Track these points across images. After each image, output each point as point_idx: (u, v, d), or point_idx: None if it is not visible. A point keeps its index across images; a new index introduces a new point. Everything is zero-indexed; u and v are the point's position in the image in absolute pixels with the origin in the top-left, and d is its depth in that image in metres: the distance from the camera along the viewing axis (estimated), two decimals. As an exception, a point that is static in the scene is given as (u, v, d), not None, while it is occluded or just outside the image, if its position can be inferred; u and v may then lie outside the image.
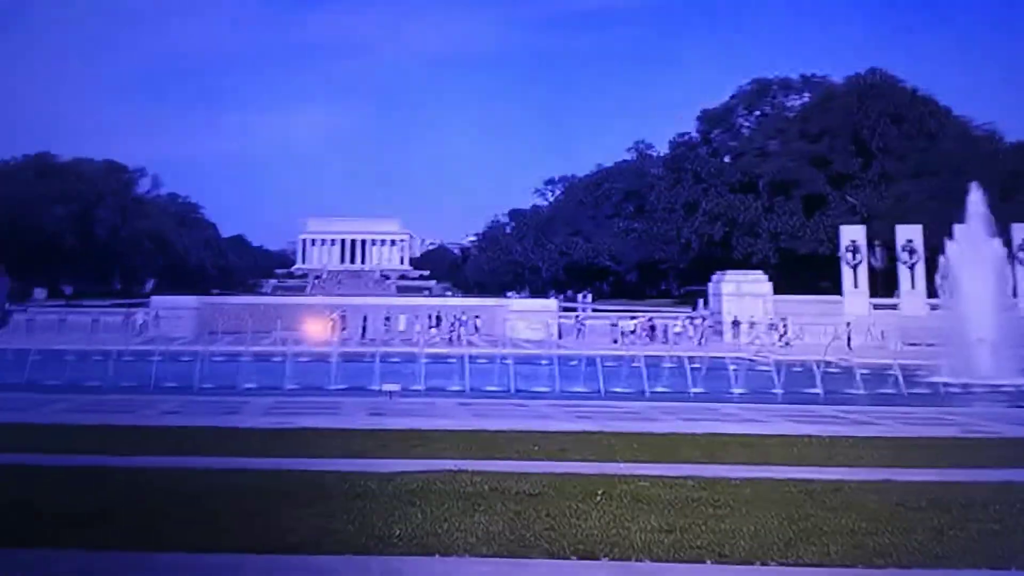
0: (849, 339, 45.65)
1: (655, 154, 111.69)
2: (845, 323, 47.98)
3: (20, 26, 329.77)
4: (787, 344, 46.61)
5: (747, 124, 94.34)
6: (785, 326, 49.61)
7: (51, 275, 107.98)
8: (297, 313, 59.42)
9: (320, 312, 59.68)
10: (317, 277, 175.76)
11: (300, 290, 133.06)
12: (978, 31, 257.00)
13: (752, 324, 51.41)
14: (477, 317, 59.20)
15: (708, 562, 8.06)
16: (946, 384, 27.64)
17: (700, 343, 49.68)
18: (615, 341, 50.54)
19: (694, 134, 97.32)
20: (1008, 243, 41.48)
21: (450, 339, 51.04)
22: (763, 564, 8.05)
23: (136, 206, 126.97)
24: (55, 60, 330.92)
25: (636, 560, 8.09)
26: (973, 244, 32.32)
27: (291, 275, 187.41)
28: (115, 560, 7.93)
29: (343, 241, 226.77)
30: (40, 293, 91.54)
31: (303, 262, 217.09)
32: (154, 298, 62.19)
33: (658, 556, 8.21)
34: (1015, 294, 32.74)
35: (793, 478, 11.99)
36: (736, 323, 52.17)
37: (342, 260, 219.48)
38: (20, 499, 9.89)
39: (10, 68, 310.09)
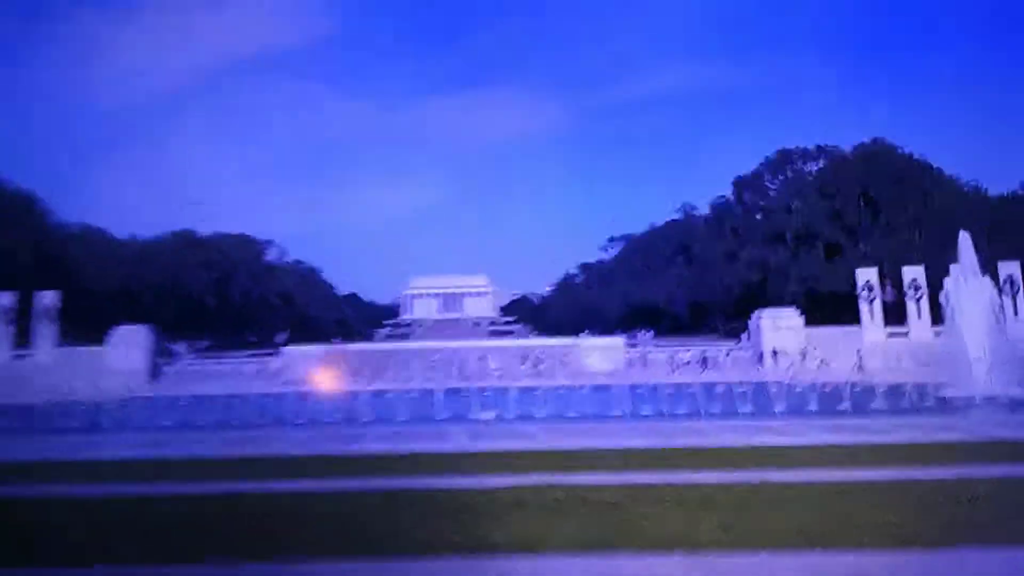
0: (860, 362, 45.75)
1: (698, 214, 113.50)
2: (856, 350, 48.03)
3: (168, 119, 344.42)
4: (818, 368, 45.74)
5: (773, 186, 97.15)
6: (815, 354, 49.41)
7: (196, 332, 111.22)
8: (405, 356, 60.01)
9: (421, 355, 60.10)
10: (420, 326, 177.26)
11: (406, 337, 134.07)
12: (966, 98, 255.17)
13: (788, 352, 50.99)
14: (557, 354, 59.00)
15: (764, 552, 8.03)
16: (951, 397, 27.28)
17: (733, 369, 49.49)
18: (673, 371, 49.95)
19: (730, 196, 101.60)
20: (996, 278, 42.42)
21: (534, 374, 50.90)
22: (808, 551, 8.04)
23: (266, 271, 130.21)
24: (200, 147, 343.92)
25: (703, 553, 8.08)
26: (966, 281, 32.71)
27: (398, 325, 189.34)
28: (257, 571, 8.00)
29: (441, 295, 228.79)
30: (181, 347, 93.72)
31: (408, 313, 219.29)
32: (284, 348, 63.23)
33: (722, 548, 8.22)
34: (1003, 320, 32.92)
35: (828, 480, 11.85)
36: (774, 352, 51.61)
37: (440, 310, 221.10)
38: (168, 520, 10.10)
39: (160, 156, 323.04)
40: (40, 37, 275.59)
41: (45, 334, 54.95)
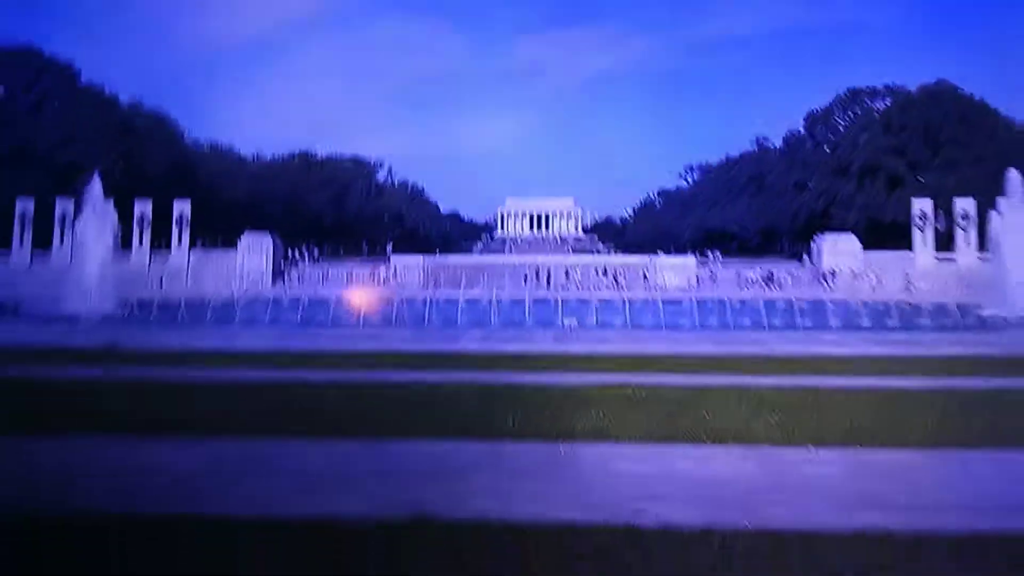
0: (909, 283, 47.02)
1: (771, 146, 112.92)
2: (905, 272, 49.70)
3: (295, 53, 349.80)
4: (871, 288, 45.19)
5: (843, 122, 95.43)
6: (869, 275, 49.51)
7: (315, 242, 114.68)
8: (498, 268, 61.02)
9: (512, 267, 60.89)
10: (513, 241, 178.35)
11: (500, 251, 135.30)
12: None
13: (844, 273, 50.94)
14: (635, 270, 59.08)
15: (810, 447, 8.28)
16: (991, 317, 27.27)
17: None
18: (740, 287, 49.81)
19: (802, 130, 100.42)
20: None
21: (614, 287, 51.18)
22: (853, 447, 8.27)
23: (376, 190, 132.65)
24: (319, 76, 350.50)
25: (758, 445, 8.37)
26: (1011, 212, 33.53)
27: (493, 240, 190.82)
28: (377, 447, 8.44)
29: (532, 214, 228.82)
30: (303, 253, 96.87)
31: (501, 230, 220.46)
32: (392, 256, 64.92)
33: (774, 442, 8.49)
34: None
35: (875, 386, 12.01)
36: (833, 273, 51.73)
37: (531, 228, 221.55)
38: (300, 402, 10.74)
39: (283, 83, 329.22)
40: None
41: (180, 239, 58.13)
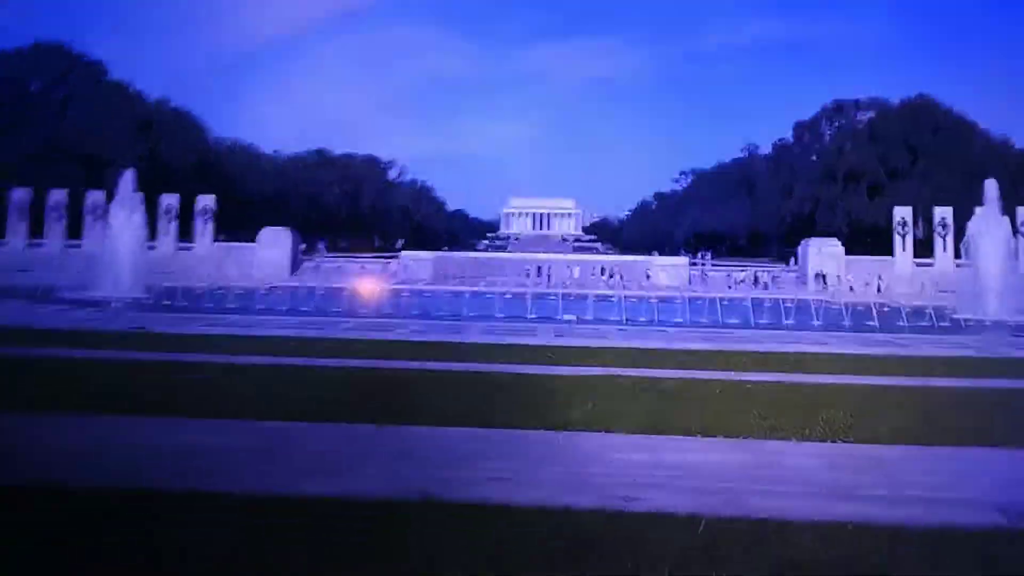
0: (880, 286, 47.44)
1: (761, 153, 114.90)
2: (877, 275, 49.90)
3: (312, 56, 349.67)
4: (851, 290, 45.42)
5: (828, 132, 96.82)
6: (850, 278, 49.90)
7: (330, 237, 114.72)
8: (501, 264, 61.09)
9: (515, 264, 60.93)
10: (516, 239, 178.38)
11: (504, 248, 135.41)
12: (1001, 60, 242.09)
13: (828, 276, 51.34)
14: (631, 269, 59.12)
15: (792, 440, 8.38)
16: (966, 320, 27.41)
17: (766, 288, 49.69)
18: (729, 287, 49.94)
19: (790, 139, 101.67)
20: (1013, 221, 43.16)
21: (611, 284, 51.22)
22: (832, 442, 8.35)
23: (388, 188, 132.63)
24: (334, 79, 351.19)
25: (742, 438, 8.47)
26: (988, 221, 33.43)
27: (497, 238, 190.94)
28: (384, 431, 8.40)
29: (534, 214, 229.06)
30: (321, 246, 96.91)
31: (505, 228, 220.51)
32: (403, 252, 64.98)
33: (757, 435, 8.56)
34: (1017, 258, 34.10)
35: (854, 384, 12.08)
36: (817, 276, 52.09)
37: (533, 227, 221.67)
38: (315, 387, 10.74)
39: (300, 84, 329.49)
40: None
41: (204, 231, 58.21)
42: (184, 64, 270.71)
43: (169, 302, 28.09)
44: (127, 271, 32.39)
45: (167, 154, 76.07)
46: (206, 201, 58.69)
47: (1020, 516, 5.96)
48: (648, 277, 55.65)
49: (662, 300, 30.79)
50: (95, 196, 55.47)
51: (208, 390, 10.47)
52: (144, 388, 10.45)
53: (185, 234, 58.86)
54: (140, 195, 35.83)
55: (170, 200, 57.47)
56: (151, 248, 47.08)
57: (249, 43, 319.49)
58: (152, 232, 51.70)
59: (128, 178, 35.24)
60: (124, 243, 33.25)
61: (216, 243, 58.64)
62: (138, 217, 34.50)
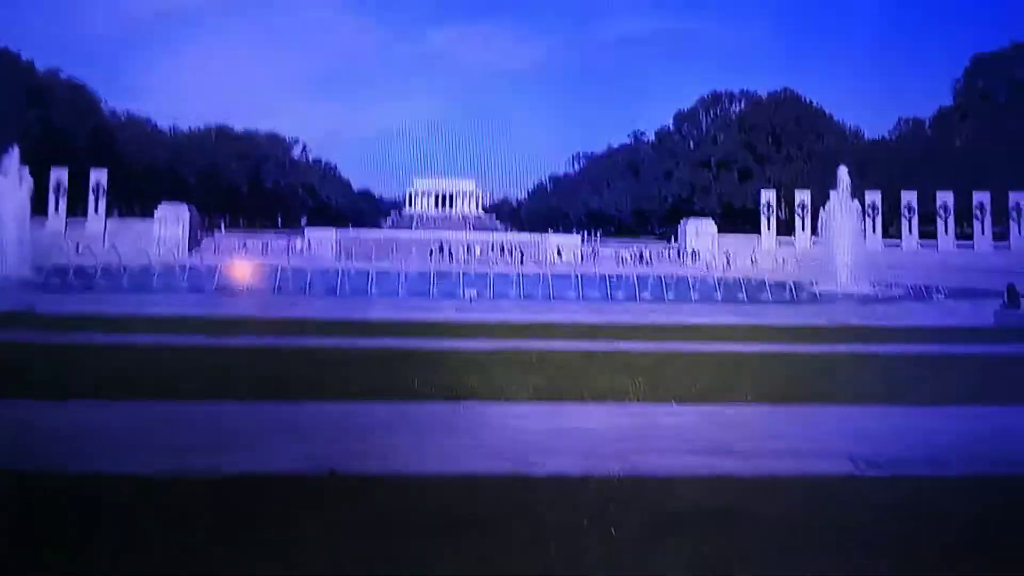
0: (753, 262, 49.20)
1: (646, 140, 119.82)
2: (750, 253, 52.72)
3: (212, 29, 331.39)
4: (724, 265, 47.94)
5: (706, 121, 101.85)
6: (722, 254, 52.79)
7: (231, 214, 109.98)
8: (405, 243, 60.33)
9: (419, 243, 60.35)
10: (420, 218, 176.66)
11: (408, 227, 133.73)
12: (855, 52, 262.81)
13: (703, 252, 54.17)
14: (528, 247, 59.88)
15: (672, 403, 8.75)
16: (820, 292, 29.60)
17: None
18: (617, 264, 51.52)
19: (671, 127, 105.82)
20: (863, 203, 46.96)
21: (509, 261, 51.60)
22: (706, 404, 8.78)
23: (292, 165, 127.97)
24: (236, 53, 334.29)
25: (629, 402, 8.77)
26: (840, 204, 35.71)
27: (401, 216, 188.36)
28: (287, 408, 8.27)
29: (436, 194, 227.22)
30: (222, 224, 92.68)
31: (409, 208, 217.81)
32: (306, 229, 63.06)
33: (642, 399, 8.91)
34: (864, 236, 38.59)
35: (726, 351, 12.78)
36: (694, 252, 54.94)
37: (436, 206, 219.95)
38: (215, 366, 10.41)
39: (201, 57, 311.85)
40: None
41: (96, 207, 54.51)
42: (77, 32, 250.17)
43: (59, 280, 26.19)
44: (12, 248, 29.93)
45: (58, 126, 70.43)
46: (98, 176, 54.91)
47: (868, 464, 6.47)
48: (559, 254, 56.68)
49: (557, 276, 31.27)
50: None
51: (98, 370, 9.86)
52: (31, 369, 9.73)
53: (80, 211, 54.97)
54: (25, 168, 33.07)
55: (60, 174, 53.42)
56: (41, 225, 43.76)
57: (148, 12, 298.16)
58: (42, 208, 48.08)
59: (13, 152, 32.42)
60: (9, 219, 30.66)
61: (110, 219, 55.11)
62: (23, 192, 31.85)
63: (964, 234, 59.96)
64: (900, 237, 58.88)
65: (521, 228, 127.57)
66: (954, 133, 76.12)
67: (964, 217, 60.60)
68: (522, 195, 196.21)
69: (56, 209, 53.02)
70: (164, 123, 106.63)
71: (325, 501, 5.32)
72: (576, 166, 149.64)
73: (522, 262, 49.40)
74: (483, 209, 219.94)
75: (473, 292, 25.46)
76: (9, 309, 16.59)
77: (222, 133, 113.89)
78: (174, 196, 65.07)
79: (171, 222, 52.23)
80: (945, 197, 57.85)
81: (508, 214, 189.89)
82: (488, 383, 9.50)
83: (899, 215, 60.00)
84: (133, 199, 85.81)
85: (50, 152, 57.77)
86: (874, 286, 31.41)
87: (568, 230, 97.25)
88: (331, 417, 7.93)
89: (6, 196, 31.26)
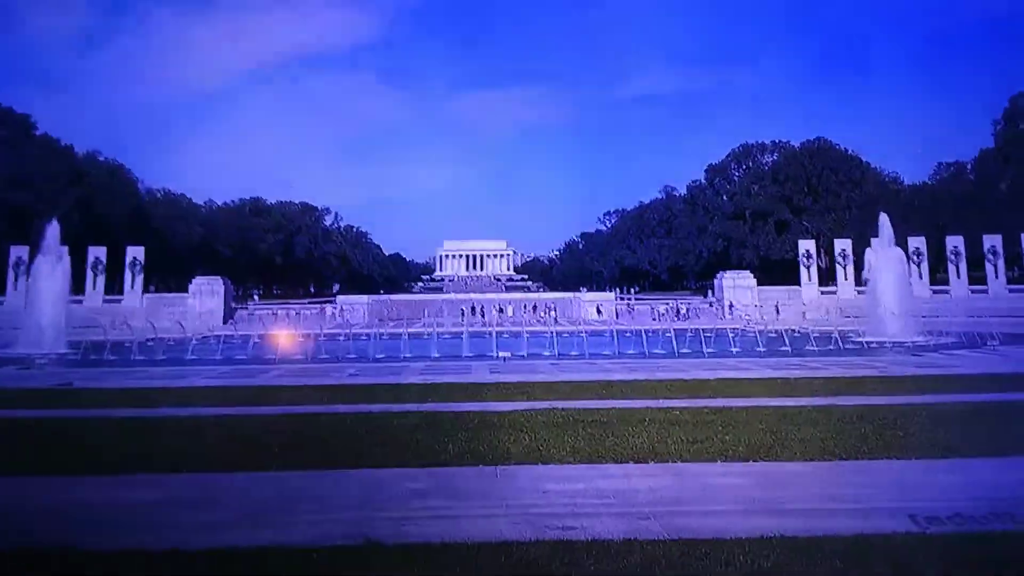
0: (777, 311, 49.69)
1: (678, 194, 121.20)
2: (774, 304, 51.88)
3: (244, 106, 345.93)
4: (764, 318, 47.04)
5: (738, 173, 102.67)
6: (763, 308, 51.98)
7: (265, 284, 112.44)
8: (437, 305, 60.78)
9: (450, 304, 60.71)
10: (451, 280, 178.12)
11: (439, 290, 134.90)
12: (895, 101, 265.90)
13: (743, 306, 53.22)
14: (561, 305, 59.80)
15: (718, 462, 8.56)
16: (868, 342, 28.82)
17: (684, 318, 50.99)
18: (654, 319, 51.03)
19: (703, 180, 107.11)
20: (906, 250, 46.39)
21: (543, 321, 51.53)
22: (754, 461, 8.55)
23: (324, 234, 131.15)
24: (267, 128, 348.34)
25: (672, 462, 8.59)
26: (883, 251, 35.01)
27: (432, 280, 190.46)
28: (325, 476, 8.38)
29: (467, 255, 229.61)
30: (255, 295, 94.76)
31: (440, 270, 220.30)
32: (339, 296, 63.91)
33: (686, 458, 8.71)
34: (910, 283, 36.96)
35: (771, 406, 12.43)
36: (732, 306, 54.17)
37: (467, 268, 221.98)
38: (250, 437, 10.36)
39: (233, 135, 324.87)
40: (124, 30, 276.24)
41: (133, 282, 56.05)
42: (114, 117, 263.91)
43: (96, 357, 26.79)
44: (50, 326, 30.81)
45: (97, 206, 73.36)
46: (135, 252, 56.63)
47: (929, 521, 6.19)
48: (600, 312, 56.53)
49: (592, 333, 31.09)
50: (19, 251, 52.91)
51: (134, 444, 9.96)
52: (72, 445, 9.89)
53: (117, 288, 56.62)
54: (64, 248, 34.32)
55: (97, 253, 55.29)
56: (77, 302, 45.07)
57: (181, 95, 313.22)
58: (80, 286, 49.60)
59: (53, 230, 33.71)
60: (47, 297, 31.66)
61: (146, 294, 56.57)
62: (62, 270, 32.90)
63: (1013, 278, 58.45)
64: (948, 283, 57.54)
65: (554, 287, 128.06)
66: (997, 175, 74.94)
67: (1015, 261, 59.17)
68: (553, 254, 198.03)
69: (94, 286, 54.64)
70: (199, 199, 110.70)
71: (357, 572, 5.24)
72: (608, 223, 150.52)
73: (556, 320, 49.29)
74: (514, 269, 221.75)
75: (506, 353, 25.40)
76: (49, 386, 16.97)
77: (256, 206, 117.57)
78: (209, 269, 66.80)
79: (206, 295, 53.39)
80: (993, 240, 56.49)
81: (540, 273, 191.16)
82: (524, 445, 9.40)
83: (945, 261, 58.85)
84: (170, 274, 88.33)
85: (89, 231, 60.10)
86: (924, 334, 30.63)
87: (601, 287, 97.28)
88: (364, 485, 7.87)
89: (45, 275, 32.36)
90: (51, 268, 32.63)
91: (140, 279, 56.33)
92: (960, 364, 20.50)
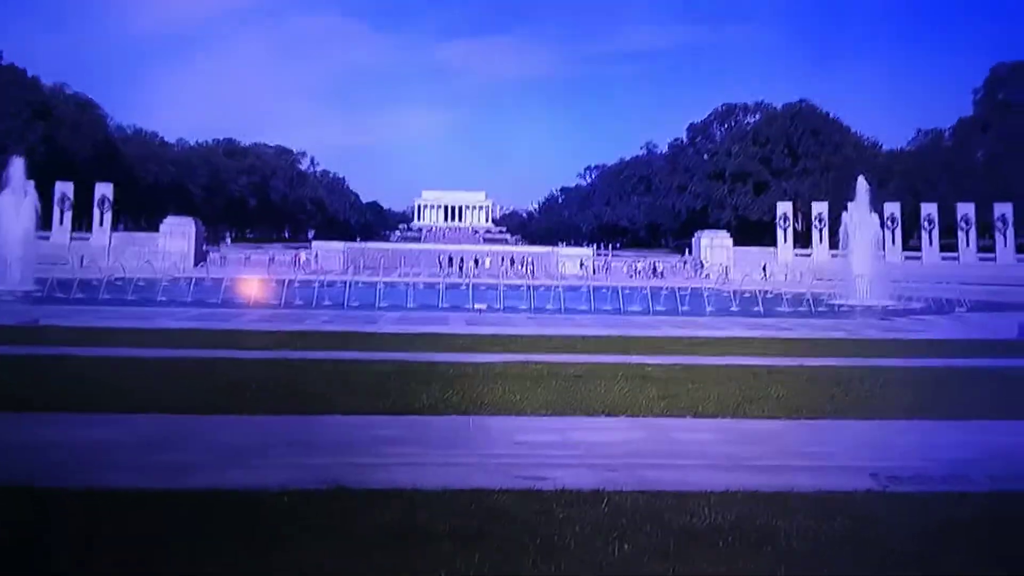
0: (765, 275, 50.42)
1: (659, 152, 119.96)
2: (762, 265, 53.36)
3: (221, 44, 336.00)
4: (740, 279, 47.63)
5: (719, 133, 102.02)
6: (738, 267, 52.76)
7: (238, 227, 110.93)
8: (414, 255, 60.54)
9: (427, 255, 60.48)
10: (429, 231, 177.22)
11: (416, 240, 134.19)
12: (872, 64, 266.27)
13: (718, 265, 53.98)
14: (539, 259, 59.84)
15: (688, 417, 8.72)
16: (839, 305, 29.55)
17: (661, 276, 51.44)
18: (630, 276, 51.50)
19: (684, 139, 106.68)
20: (881, 215, 47.24)
21: (520, 274, 51.64)
22: (723, 418, 8.72)
23: (299, 178, 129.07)
24: (247, 67, 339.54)
25: (643, 416, 8.73)
26: (859, 215, 35.59)
27: (410, 229, 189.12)
28: (297, 421, 8.34)
29: (446, 206, 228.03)
30: (227, 237, 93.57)
31: (418, 220, 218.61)
32: (314, 242, 63.35)
33: (656, 413, 8.88)
34: (883, 248, 37.97)
35: (742, 364, 12.70)
36: (708, 265, 55.01)
37: (445, 219, 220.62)
38: (220, 380, 10.32)
39: (213, 72, 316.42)
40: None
41: (101, 220, 54.98)
42: (86, 50, 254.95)
43: (63, 294, 26.37)
44: (17, 262, 30.24)
45: (65, 142, 71.30)
46: (104, 190, 55.43)
47: (890, 480, 6.38)
48: (582, 267, 56.73)
49: (568, 289, 31.24)
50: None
51: (102, 384, 9.83)
52: (34, 383, 9.77)
53: (85, 225, 55.54)
54: (30, 183, 33.50)
55: (64, 188, 54.01)
56: (44, 238, 44.18)
57: (156, 30, 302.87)
58: (47, 222, 48.57)
59: (18, 165, 32.85)
60: (13, 233, 31.00)
61: (115, 233, 55.61)
62: (28, 206, 32.19)
63: (985, 247, 59.48)
64: (920, 250, 58.50)
65: (532, 241, 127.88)
66: (975, 144, 75.58)
67: (986, 229, 60.13)
68: (532, 207, 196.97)
69: (61, 222, 53.54)
70: (171, 138, 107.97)
71: (327, 516, 5.28)
72: (588, 178, 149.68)
73: (533, 275, 49.39)
74: (493, 221, 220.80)
75: (483, 305, 25.48)
76: (14, 323, 16.71)
77: (229, 147, 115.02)
78: (180, 210, 65.64)
79: (177, 235, 52.65)
80: (966, 209, 57.45)
81: (518, 226, 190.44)
82: (498, 396, 9.46)
83: (919, 227, 59.69)
84: (140, 213, 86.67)
85: (57, 167, 58.49)
86: (894, 299, 31.24)
87: (580, 243, 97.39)
88: (336, 431, 7.90)
89: (10, 210, 31.63)
90: (17, 204, 31.91)
91: (109, 217, 55.30)
92: (927, 328, 21.00)
